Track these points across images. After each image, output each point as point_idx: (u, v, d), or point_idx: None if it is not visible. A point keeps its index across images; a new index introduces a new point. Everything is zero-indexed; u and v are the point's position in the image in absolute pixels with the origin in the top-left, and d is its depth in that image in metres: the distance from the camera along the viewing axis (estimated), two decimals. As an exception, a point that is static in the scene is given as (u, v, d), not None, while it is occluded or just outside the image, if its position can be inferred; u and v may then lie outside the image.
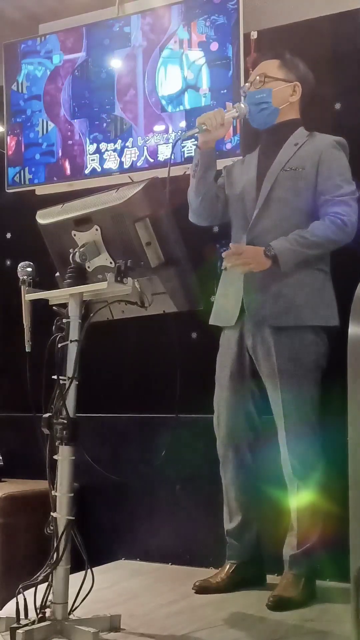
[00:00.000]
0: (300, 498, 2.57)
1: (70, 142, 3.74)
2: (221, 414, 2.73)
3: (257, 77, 2.70)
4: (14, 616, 2.06)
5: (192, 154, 2.85)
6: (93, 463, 2.18)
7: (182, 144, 3.38)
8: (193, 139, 3.11)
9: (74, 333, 2.17)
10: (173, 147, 3.32)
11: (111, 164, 3.62)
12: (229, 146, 3.25)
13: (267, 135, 2.75)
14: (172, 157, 3.28)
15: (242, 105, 2.68)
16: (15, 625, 2.02)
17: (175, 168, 3.15)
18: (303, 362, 2.57)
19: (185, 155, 3.37)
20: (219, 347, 2.76)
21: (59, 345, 2.17)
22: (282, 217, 2.61)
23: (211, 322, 2.76)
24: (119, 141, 3.59)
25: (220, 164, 2.87)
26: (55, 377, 2.14)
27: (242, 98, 2.73)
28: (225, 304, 2.70)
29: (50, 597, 2.09)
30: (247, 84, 2.77)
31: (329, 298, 2.61)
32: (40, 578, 2.09)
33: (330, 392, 2.51)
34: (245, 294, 2.60)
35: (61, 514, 2.11)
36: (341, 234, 2.54)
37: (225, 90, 3.31)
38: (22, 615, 2.06)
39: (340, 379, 1.86)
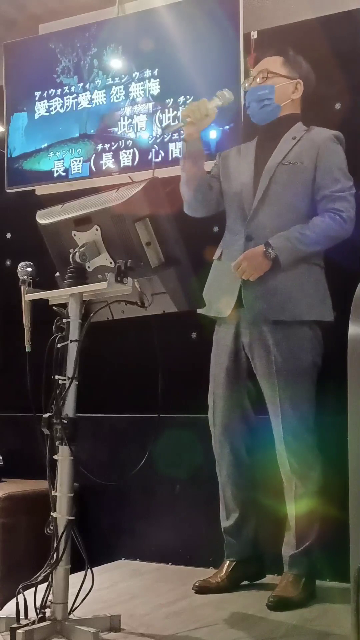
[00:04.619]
0: (297, 497, 2.57)
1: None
2: (216, 411, 2.72)
3: (260, 73, 2.70)
4: (14, 616, 2.06)
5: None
6: (86, 472, 2.18)
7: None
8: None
9: (74, 333, 2.17)
10: (157, 141, 3.35)
11: (111, 164, 3.61)
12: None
13: (265, 128, 2.74)
14: (170, 155, 3.34)
15: (226, 94, 2.67)
16: (15, 625, 2.01)
17: (176, 168, 3.15)
18: (300, 360, 2.57)
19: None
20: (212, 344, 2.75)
21: (59, 345, 2.17)
22: (280, 211, 2.61)
23: (200, 311, 2.69)
24: (120, 141, 3.59)
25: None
26: (55, 377, 2.14)
27: (243, 93, 2.73)
28: (220, 295, 2.67)
29: (50, 597, 2.09)
30: (248, 78, 2.75)
31: (323, 293, 2.62)
32: (40, 578, 2.08)
33: (330, 392, 2.51)
34: (243, 287, 2.59)
35: (61, 514, 2.11)
36: (340, 230, 2.56)
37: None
38: (22, 615, 2.06)
39: (340, 379, 1.86)
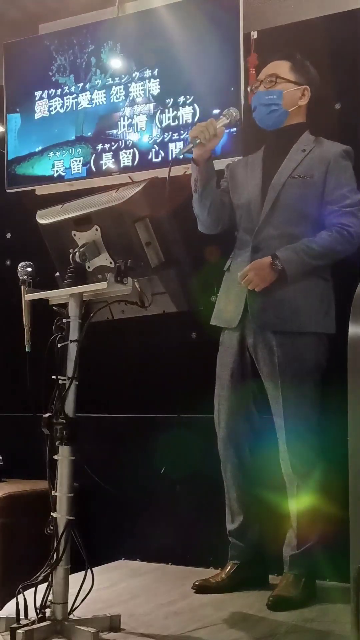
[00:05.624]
0: (299, 497, 2.57)
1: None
2: (221, 412, 2.72)
3: (268, 77, 2.69)
4: (14, 616, 2.07)
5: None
6: (91, 473, 2.19)
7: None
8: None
9: (74, 333, 2.17)
10: (170, 168, 3.30)
11: (111, 164, 3.61)
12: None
13: (273, 138, 2.74)
14: (170, 155, 3.30)
15: (233, 112, 2.66)
16: (15, 625, 2.02)
17: (176, 168, 3.15)
18: (304, 361, 2.57)
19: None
20: (219, 347, 2.76)
21: (59, 345, 2.17)
22: (288, 224, 2.62)
23: (212, 322, 2.76)
24: (119, 141, 3.59)
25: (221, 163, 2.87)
26: (55, 377, 2.14)
27: (250, 95, 2.72)
28: (228, 305, 2.70)
29: (50, 597, 2.09)
30: (255, 82, 2.74)
31: (328, 305, 2.63)
32: (40, 578, 2.09)
33: (330, 392, 2.51)
34: (249, 297, 2.61)
35: (61, 514, 2.11)
36: (347, 245, 2.57)
37: (233, 88, 3.29)
38: (22, 615, 2.06)
39: (340, 379, 1.86)
